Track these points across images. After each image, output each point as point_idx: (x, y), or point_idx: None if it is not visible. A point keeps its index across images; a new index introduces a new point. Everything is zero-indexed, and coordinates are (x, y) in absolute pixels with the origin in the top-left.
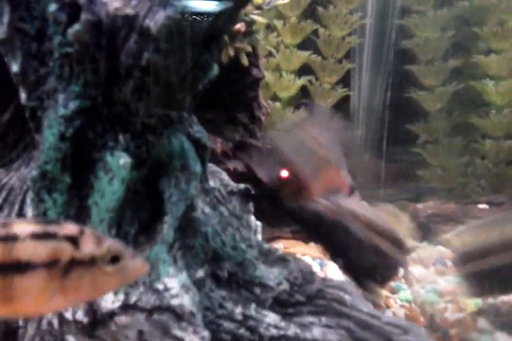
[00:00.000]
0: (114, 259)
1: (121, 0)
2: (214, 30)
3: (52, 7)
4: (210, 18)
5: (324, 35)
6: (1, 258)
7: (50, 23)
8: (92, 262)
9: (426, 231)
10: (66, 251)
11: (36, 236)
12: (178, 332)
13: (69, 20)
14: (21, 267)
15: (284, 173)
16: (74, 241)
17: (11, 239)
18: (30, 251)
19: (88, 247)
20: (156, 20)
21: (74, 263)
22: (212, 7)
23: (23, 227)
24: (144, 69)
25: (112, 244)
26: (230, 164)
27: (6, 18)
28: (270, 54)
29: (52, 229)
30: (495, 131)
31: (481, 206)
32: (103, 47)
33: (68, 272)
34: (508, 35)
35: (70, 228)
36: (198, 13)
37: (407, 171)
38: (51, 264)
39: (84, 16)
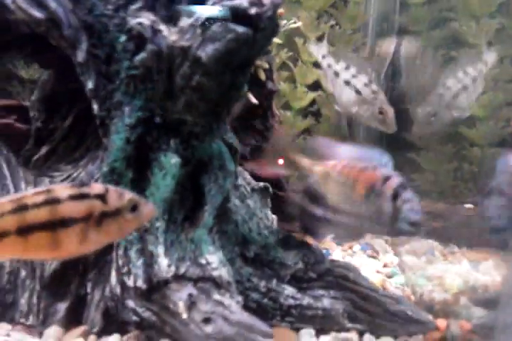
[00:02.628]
0: (134, 208)
1: (178, 34)
2: (249, 56)
3: (123, 38)
4: (218, 22)
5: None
6: (50, 217)
7: (119, 50)
8: (117, 212)
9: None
10: (97, 206)
11: (73, 198)
12: (218, 297)
13: (135, 48)
14: (65, 223)
15: None
16: (102, 198)
17: (55, 201)
18: (70, 209)
19: (113, 202)
20: (206, 52)
21: (104, 215)
22: (216, 12)
23: (62, 191)
24: (194, 88)
25: (130, 196)
26: (247, 166)
27: (84, 45)
28: (282, 67)
29: (84, 190)
30: (481, 139)
31: (468, 206)
32: (162, 71)
33: (100, 222)
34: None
35: (98, 188)
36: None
37: (402, 174)
38: (87, 218)
39: (149, 47)
